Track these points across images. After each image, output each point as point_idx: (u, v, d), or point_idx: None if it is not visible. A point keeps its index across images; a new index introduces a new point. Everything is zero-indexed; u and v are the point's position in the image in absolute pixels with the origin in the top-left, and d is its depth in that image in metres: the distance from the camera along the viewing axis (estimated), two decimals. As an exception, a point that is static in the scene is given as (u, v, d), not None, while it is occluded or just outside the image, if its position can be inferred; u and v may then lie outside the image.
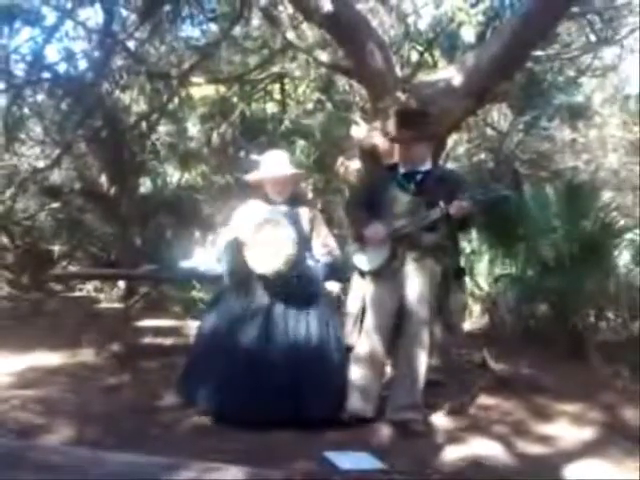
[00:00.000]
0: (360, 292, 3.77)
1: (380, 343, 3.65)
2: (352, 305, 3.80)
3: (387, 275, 3.68)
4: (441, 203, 3.61)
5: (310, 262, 3.85)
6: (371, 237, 3.70)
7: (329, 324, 3.72)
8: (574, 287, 5.48)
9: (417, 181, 3.73)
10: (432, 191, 3.67)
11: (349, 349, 3.73)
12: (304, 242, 3.83)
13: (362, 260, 3.77)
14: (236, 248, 3.76)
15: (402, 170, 3.79)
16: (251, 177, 4.01)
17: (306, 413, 3.48)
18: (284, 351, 3.59)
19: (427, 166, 3.80)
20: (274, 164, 3.90)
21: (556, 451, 3.36)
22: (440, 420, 3.73)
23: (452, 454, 3.24)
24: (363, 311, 3.73)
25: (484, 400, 4.09)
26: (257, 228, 3.69)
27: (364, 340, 3.67)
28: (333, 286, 3.91)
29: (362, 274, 3.79)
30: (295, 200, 4.01)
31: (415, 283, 3.63)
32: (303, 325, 3.65)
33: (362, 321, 3.72)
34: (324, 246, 3.91)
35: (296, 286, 3.68)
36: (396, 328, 3.68)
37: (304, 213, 3.94)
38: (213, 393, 3.59)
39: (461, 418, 3.78)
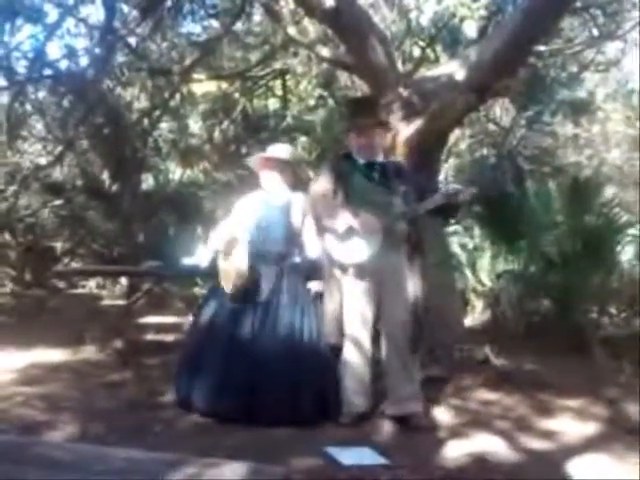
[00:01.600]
0: (338, 287, 3.62)
1: (370, 337, 3.59)
2: (330, 302, 3.64)
3: (372, 267, 3.55)
4: (442, 189, 3.58)
5: (297, 259, 3.78)
6: (368, 228, 3.53)
7: (314, 321, 3.65)
8: (577, 283, 5.48)
9: (378, 171, 3.67)
10: (395, 181, 3.62)
11: (332, 348, 3.63)
12: (293, 236, 3.80)
13: (345, 253, 3.59)
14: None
15: (361, 160, 3.70)
16: (251, 161, 4.13)
17: (302, 410, 3.47)
18: (266, 349, 3.54)
19: (380, 157, 3.74)
20: (271, 150, 3.97)
21: (559, 446, 3.34)
22: (442, 415, 3.72)
23: (455, 449, 3.23)
24: (341, 307, 3.61)
25: (487, 395, 4.08)
26: (226, 245, 3.76)
27: (354, 336, 3.59)
28: (315, 285, 3.69)
29: (342, 268, 3.62)
30: (294, 190, 3.95)
31: (398, 275, 3.57)
32: (287, 322, 3.60)
33: (341, 318, 3.62)
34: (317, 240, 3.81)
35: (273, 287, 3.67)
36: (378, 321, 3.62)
37: (298, 201, 3.85)
38: (206, 392, 3.57)
39: (464, 413, 3.78)
